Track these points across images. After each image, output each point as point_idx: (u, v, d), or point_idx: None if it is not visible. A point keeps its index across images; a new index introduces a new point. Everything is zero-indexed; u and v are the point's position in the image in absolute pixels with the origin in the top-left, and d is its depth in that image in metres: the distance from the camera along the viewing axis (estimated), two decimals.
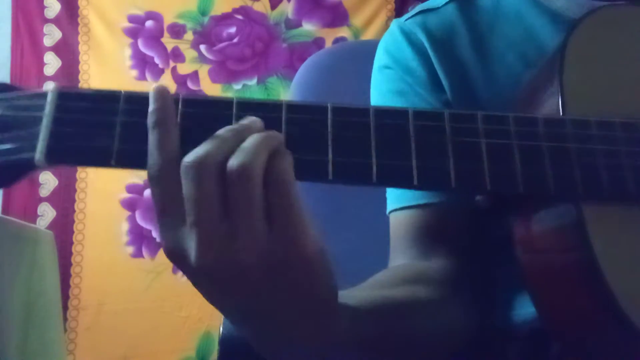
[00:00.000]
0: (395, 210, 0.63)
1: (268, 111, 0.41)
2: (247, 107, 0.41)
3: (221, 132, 0.37)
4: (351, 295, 0.46)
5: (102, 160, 0.39)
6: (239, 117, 0.40)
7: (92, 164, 0.40)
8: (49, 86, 0.41)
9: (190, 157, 0.35)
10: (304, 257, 0.36)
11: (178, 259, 0.36)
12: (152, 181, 0.36)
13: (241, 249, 0.35)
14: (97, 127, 0.39)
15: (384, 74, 0.69)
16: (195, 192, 0.34)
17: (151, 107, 0.38)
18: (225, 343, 0.66)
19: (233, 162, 0.35)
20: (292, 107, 0.41)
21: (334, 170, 0.40)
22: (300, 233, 0.36)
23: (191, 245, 0.35)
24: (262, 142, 0.36)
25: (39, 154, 0.38)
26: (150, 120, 0.37)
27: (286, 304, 0.38)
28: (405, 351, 0.50)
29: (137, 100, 0.40)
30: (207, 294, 0.38)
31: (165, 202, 0.36)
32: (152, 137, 0.37)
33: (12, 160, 0.39)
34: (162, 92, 0.38)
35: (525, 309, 0.53)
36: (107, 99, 0.40)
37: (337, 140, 0.40)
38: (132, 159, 0.38)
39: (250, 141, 0.36)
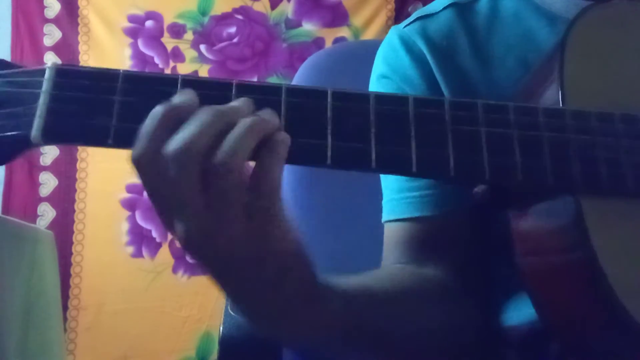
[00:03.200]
0: (389, 221, 0.64)
1: (268, 94, 0.40)
2: (247, 89, 0.40)
3: (207, 114, 0.36)
4: (343, 280, 0.47)
5: (99, 139, 0.39)
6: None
7: (89, 143, 0.40)
8: (48, 62, 0.41)
9: (173, 145, 0.35)
10: (279, 254, 0.38)
11: (173, 233, 0.38)
12: (136, 164, 0.37)
13: (221, 235, 0.37)
14: (95, 106, 0.39)
15: (381, 83, 0.69)
16: (179, 182, 0.35)
17: (177, 99, 0.37)
18: (225, 343, 0.66)
19: (217, 157, 0.35)
20: (292, 90, 0.41)
21: (332, 155, 0.39)
22: (277, 231, 0.37)
23: (178, 225, 0.37)
24: (249, 131, 0.36)
25: (35, 131, 0.38)
26: (161, 109, 0.37)
27: (269, 286, 0.40)
28: (393, 343, 0.51)
29: (136, 80, 0.40)
30: (209, 270, 0.40)
31: (150, 183, 0.37)
32: (150, 121, 0.36)
33: (8, 137, 0.38)
34: (191, 97, 0.38)
35: (524, 310, 0.53)
36: (106, 77, 0.40)
37: (337, 125, 0.40)
38: (129, 138, 0.38)
39: (236, 131, 0.36)
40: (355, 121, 0.41)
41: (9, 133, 0.38)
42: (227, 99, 0.39)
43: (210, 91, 0.40)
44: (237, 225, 0.36)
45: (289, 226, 0.38)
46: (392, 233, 0.63)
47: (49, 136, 0.38)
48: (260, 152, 0.37)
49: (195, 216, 0.36)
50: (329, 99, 0.41)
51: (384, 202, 0.65)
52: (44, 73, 0.40)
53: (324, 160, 0.39)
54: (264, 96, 0.40)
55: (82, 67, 0.41)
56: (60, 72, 0.40)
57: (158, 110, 0.37)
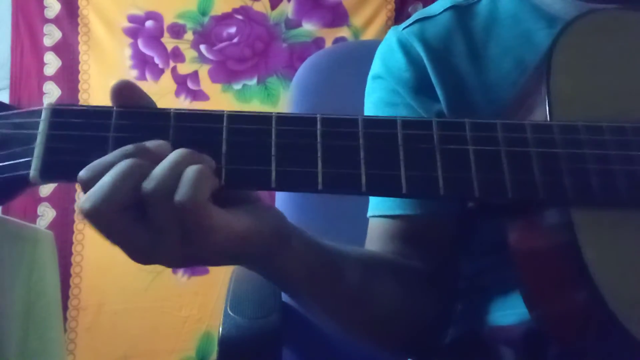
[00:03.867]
0: (374, 216, 0.65)
1: (258, 123, 0.41)
2: (238, 119, 0.41)
3: (130, 163, 0.38)
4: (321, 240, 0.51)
5: None
6: (230, 130, 0.41)
7: None
8: (45, 102, 0.42)
9: (87, 204, 0.37)
10: (227, 250, 0.41)
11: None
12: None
13: (163, 254, 0.40)
14: (91, 143, 0.40)
15: (376, 83, 0.70)
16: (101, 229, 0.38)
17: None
18: (225, 343, 0.66)
19: (143, 194, 0.37)
20: (281, 118, 0.42)
21: (323, 180, 0.40)
22: (212, 240, 0.39)
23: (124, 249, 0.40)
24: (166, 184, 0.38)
25: (33, 171, 0.39)
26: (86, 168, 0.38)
27: (229, 262, 0.44)
28: (351, 307, 0.54)
29: (129, 116, 0.41)
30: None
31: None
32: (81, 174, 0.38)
33: (7, 178, 0.39)
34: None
35: (521, 309, 0.53)
36: (99, 115, 0.41)
37: (327, 151, 0.41)
38: None
39: (151, 184, 0.38)
40: (344, 146, 0.41)
41: (8, 174, 0.39)
42: (219, 130, 0.41)
43: (202, 123, 0.41)
44: (176, 248, 0.39)
45: (226, 228, 0.40)
46: (375, 228, 0.65)
47: (47, 175, 0.39)
48: (182, 185, 0.38)
49: (136, 247, 0.39)
50: (318, 125, 0.42)
51: (370, 197, 0.66)
52: (40, 114, 0.41)
53: (315, 186, 0.40)
54: (253, 125, 0.41)
55: (76, 106, 0.42)
56: (56, 112, 0.41)
57: (86, 168, 0.38)
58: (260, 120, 0.41)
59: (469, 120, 0.44)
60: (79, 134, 0.40)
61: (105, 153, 0.39)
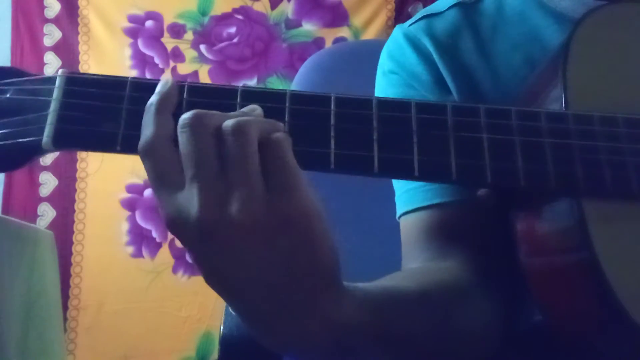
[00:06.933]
0: (406, 213, 0.61)
1: (271, 101, 0.41)
2: (251, 96, 0.41)
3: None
4: (360, 284, 0.44)
5: (107, 145, 0.40)
6: (243, 106, 0.41)
7: (98, 149, 0.41)
8: (58, 71, 0.42)
9: (188, 114, 0.36)
10: (301, 215, 0.36)
11: (179, 224, 0.36)
12: (145, 153, 0.37)
13: (239, 203, 0.35)
14: (104, 113, 0.40)
15: (389, 78, 0.69)
16: (193, 146, 0.36)
17: (157, 89, 0.39)
18: (225, 343, 0.66)
19: (229, 121, 0.36)
20: (295, 97, 0.42)
21: (336, 160, 0.40)
22: (296, 192, 0.36)
23: (192, 202, 0.35)
24: (258, 113, 0.39)
25: (46, 137, 0.39)
26: (152, 99, 0.39)
27: (287, 271, 0.37)
28: (419, 346, 0.48)
29: (143, 87, 0.41)
30: (208, 265, 0.38)
31: (160, 170, 0.37)
32: (147, 114, 0.38)
33: (20, 143, 0.40)
34: (170, 83, 0.40)
35: (527, 309, 0.53)
36: (114, 85, 0.41)
37: (340, 131, 0.41)
38: (137, 144, 0.38)
39: (245, 109, 0.39)
40: (358, 127, 0.41)
41: (21, 140, 0.40)
42: (233, 106, 0.41)
43: (216, 99, 0.41)
44: (254, 188, 0.35)
45: (309, 194, 0.36)
46: (410, 225, 0.61)
47: (60, 142, 0.40)
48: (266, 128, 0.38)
49: (211, 177, 0.36)
50: (332, 105, 0.41)
51: (397, 195, 0.64)
52: (55, 81, 0.41)
53: (327, 165, 0.40)
54: (267, 103, 0.41)
55: (91, 75, 0.42)
56: (71, 80, 0.41)
57: (153, 99, 0.39)
58: (274, 97, 0.41)
59: (484, 106, 0.43)
60: (93, 103, 0.40)
61: (118, 124, 0.39)
